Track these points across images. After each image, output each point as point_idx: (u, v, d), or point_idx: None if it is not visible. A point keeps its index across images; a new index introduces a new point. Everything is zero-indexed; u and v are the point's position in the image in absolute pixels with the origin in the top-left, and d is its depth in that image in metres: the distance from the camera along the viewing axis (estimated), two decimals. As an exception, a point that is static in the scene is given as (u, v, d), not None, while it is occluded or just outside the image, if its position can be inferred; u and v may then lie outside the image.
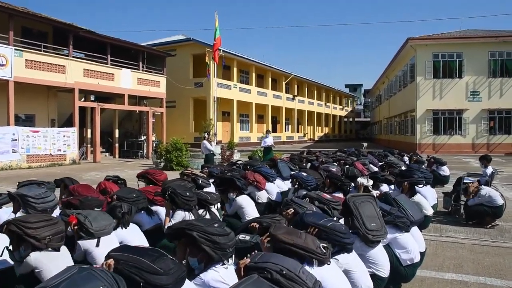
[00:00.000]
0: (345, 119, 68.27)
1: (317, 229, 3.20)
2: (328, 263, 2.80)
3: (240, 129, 37.89)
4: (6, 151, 17.51)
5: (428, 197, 6.92)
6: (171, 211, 5.07)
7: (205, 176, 7.72)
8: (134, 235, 4.59)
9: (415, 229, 4.46)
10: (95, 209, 4.89)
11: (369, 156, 12.28)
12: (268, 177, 7.82)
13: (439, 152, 25.71)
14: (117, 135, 25.54)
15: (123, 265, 2.47)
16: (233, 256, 2.78)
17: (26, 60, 18.28)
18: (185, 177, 7.48)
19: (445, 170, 11.82)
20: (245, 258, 2.43)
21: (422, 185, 6.59)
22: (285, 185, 8.24)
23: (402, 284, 4.20)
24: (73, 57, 21.03)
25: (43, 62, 18.96)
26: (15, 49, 17.81)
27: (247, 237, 3.15)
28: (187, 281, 2.47)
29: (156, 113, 26.34)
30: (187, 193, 5.01)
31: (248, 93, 36.26)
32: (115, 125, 25.53)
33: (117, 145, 25.40)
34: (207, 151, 12.88)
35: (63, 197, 5.92)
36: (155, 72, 25.72)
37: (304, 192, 7.04)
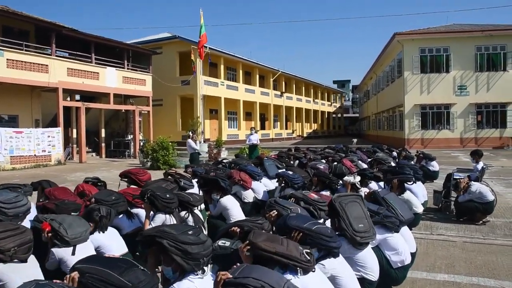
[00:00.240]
0: (334, 115, 68.32)
1: (301, 233, 3.00)
2: (313, 270, 2.60)
3: (228, 127, 37.65)
4: (-12, 153, 17.12)
5: (418, 194, 6.78)
6: (152, 213, 4.86)
7: (189, 176, 7.50)
8: (112, 240, 4.38)
9: (405, 229, 4.28)
10: (72, 213, 4.67)
11: (358, 153, 12.12)
12: (254, 175, 7.62)
13: (428, 147, 25.74)
14: (103, 134, 25.13)
15: (88, 278, 2.27)
16: (210, 264, 2.58)
17: (7, 59, 17.83)
18: (169, 177, 7.27)
19: (434, 166, 11.72)
20: (229, 270, 2.22)
21: (412, 182, 6.44)
22: (272, 184, 8.04)
23: (392, 287, 4.02)
24: (57, 56, 20.59)
25: (25, 62, 18.53)
26: (-4, 49, 17.39)
27: (227, 243, 2.94)
28: None
29: (142, 111, 25.98)
30: (167, 195, 4.80)
31: (236, 91, 36.01)
32: (101, 124, 25.12)
33: (103, 144, 25.00)
34: (192, 150, 12.64)
35: (40, 200, 5.68)
36: (140, 70, 25.35)
37: (291, 191, 6.89)
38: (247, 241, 2.57)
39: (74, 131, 23.21)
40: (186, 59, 28.96)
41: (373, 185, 6.76)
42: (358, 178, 6.35)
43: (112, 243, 4.32)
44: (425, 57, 26.98)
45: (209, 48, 29.81)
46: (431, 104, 26.83)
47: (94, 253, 4.03)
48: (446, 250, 5.32)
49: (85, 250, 3.82)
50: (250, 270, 2.15)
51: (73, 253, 3.73)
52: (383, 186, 6.81)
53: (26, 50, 18.90)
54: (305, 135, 53.22)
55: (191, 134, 12.75)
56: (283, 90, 46.08)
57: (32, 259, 3.31)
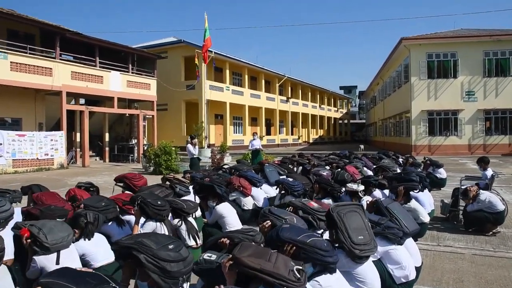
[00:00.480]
0: (340, 121, 67.90)
1: (294, 247, 2.75)
2: (304, 289, 2.34)
3: (234, 132, 37.43)
4: (-10, 156, 17.02)
5: (424, 203, 6.50)
6: (143, 220, 4.63)
7: (188, 181, 7.27)
8: (99, 247, 4.15)
9: (409, 242, 4.01)
10: (58, 219, 4.46)
11: (363, 159, 11.84)
12: (254, 182, 7.39)
13: (435, 153, 25.34)
14: (107, 138, 25.00)
15: (51, 294, 2.03)
16: (189, 282, 2.33)
17: (11, 62, 17.77)
18: (167, 182, 7.05)
19: (441, 173, 11.39)
20: None
21: (418, 190, 6.15)
22: (273, 191, 7.81)
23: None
24: (61, 59, 20.53)
25: (29, 65, 18.46)
26: (0, 51, 17.31)
27: (213, 256, 2.69)
28: None
29: (147, 116, 25.84)
30: (159, 202, 4.57)
31: (241, 96, 35.82)
32: (105, 128, 25.00)
33: (107, 149, 24.86)
34: (191, 155, 12.41)
35: (30, 205, 5.48)
36: (145, 74, 25.25)
37: (291, 199, 6.63)
38: (231, 256, 2.32)
39: (78, 135, 23.09)
40: (191, 64, 28.79)
41: (377, 193, 6.49)
42: (362, 187, 6.08)
43: (98, 250, 4.10)
44: (432, 62, 26.62)
45: (215, 52, 29.67)
46: (439, 110, 26.43)
47: (79, 261, 3.81)
48: (454, 263, 5.02)
49: (69, 258, 3.60)
50: None
51: (57, 262, 3.50)
52: (387, 194, 6.54)
53: (30, 53, 18.83)
54: (311, 141, 52.87)
55: (189, 139, 12.51)
56: (289, 96, 45.82)
57: (3, 269, 3.06)
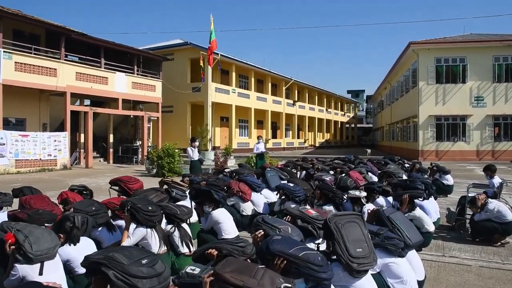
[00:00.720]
0: (347, 125, 67.52)
1: (285, 261, 2.54)
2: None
3: (239, 135, 37.26)
4: (-7, 155, 16.96)
5: (430, 211, 6.25)
6: (134, 226, 4.44)
7: (186, 185, 7.08)
8: (85, 254, 3.95)
9: (412, 254, 3.77)
10: (46, 224, 4.28)
11: (368, 164, 11.57)
12: (254, 187, 7.17)
13: (442, 159, 24.98)
14: (111, 140, 24.92)
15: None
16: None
17: (15, 62, 17.75)
18: (164, 185, 6.88)
19: (448, 179, 11.10)
20: None
21: (422, 198, 5.91)
22: (274, 196, 7.58)
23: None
24: (66, 60, 20.48)
25: (33, 65, 18.42)
26: (4, 52, 17.27)
27: (197, 270, 2.48)
28: None
29: (151, 118, 25.74)
30: (150, 208, 4.36)
31: (247, 98, 35.65)
32: (109, 130, 24.92)
33: (111, 150, 24.77)
34: (190, 158, 12.22)
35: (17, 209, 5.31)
36: (150, 76, 25.16)
37: (292, 205, 6.41)
38: (212, 271, 2.12)
39: (82, 135, 23.01)
40: (197, 66, 28.65)
41: (381, 200, 6.24)
42: (364, 194, 5.84)
43: (83, 257, 3.91)
44: (440, 67, 26.29)
45: (221, 55, 29.58)
46: (447, 115, 26.07)
47: (62, 271, 3.61)
48: (460, 276, 4.76)
49: (53, 269, 3.40)
50: None
51: (41, 273, 3.30)
52: (391, 202, 6.30)
53: (35, 54, 18.80)
54: (317, 144, 52.58)
55: (190, 141, 12.32)
56: (296, 99, 45.59)
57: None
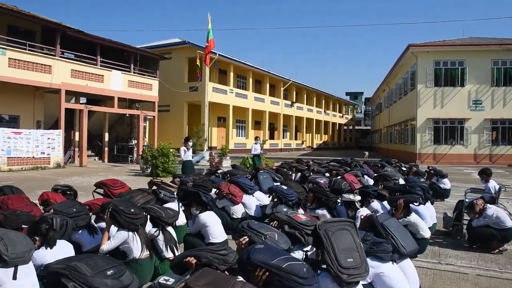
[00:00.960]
0: (345, 127, 67.40)
1: (268, 272, 2.34)
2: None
3: (236, 135, 37.07)
4: (-16, 153, 16.72)
5: (425, 216, 6.06)
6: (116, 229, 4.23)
7: (176, 186, 6.87)
8: (61, 257, 3.75)
9: (406, 262, 3.58)
10: (23, 226, 4.08)
11: (364, 167, 11.39)
12: (246, 189, 6.96)
13: (440, 162, 24.84)
14: (107, 138, 24.67)
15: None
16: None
17: (9, 58, 17.47)
18: (154, 186, 6.67)
19: (445, 183, 10.92)
20: None
21: (418, 203, 5.71)
22: (267, 198, 7.37)
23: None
24: (61, 57, 20.24)
25: (27, 62, 18.16)
26: (-3, 47, 17.05)
27: (170, 281, 2.28)
28: None
29: (148, 117, 25.51)
30: (132, 210, 4.16)
31: (245, 99, 35.46)
32: (105, 128, 24.67)
33: (106, 149, 24.51)
34: (182, 158, 11.99)
35: (0, 209, 5.09)
36: (147, 75, 24.93)
37: (285, 209, 6.22)
38: (183, 284, 1.92)
39: (77, 134, 22.76)
40: (195, 65, 28.50)
41: (376, 204, 6.05)
42: (358, 197, 5.65)
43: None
44: (439, 70, 26.16)
45: (219, 54, 29.40)
46: (445, 119, 25.95)
47: (35, 277, 3.40)
48: (456, 285, 4.57)
49: (26, 274, 3.19)
50: None
51: (14, 277, 3.10)
52: (387, 206, 6.10)
53: (30, 50, 18.55)
54: (315, 146, 52.42)
55: (184, 141, 12.09)
56: (294, 100, 45.41)
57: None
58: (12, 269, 3.10)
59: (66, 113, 20.53)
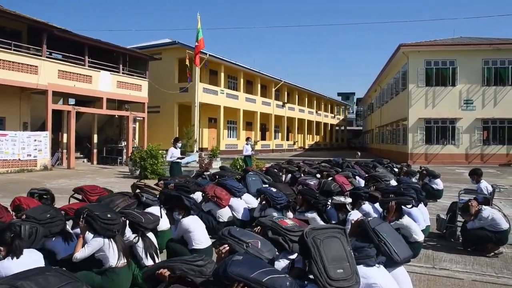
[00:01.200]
0: (337, 128, 67.34)
1: (246, 287, 2.10)
2: None
3: (228, 136, 36.80)
4: (-33, 155, 16.32)
5: (418, 219, 5.86)
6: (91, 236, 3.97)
7: (159, 189, 6.60)
8: (29, 267, 3.48)
9: (400, 271, 3.34)
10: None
11: (356, 167, 11.18)
12: (233, 192, 6.72)
13: (432, 162, 24.78)
14: (96, 140, 24.29)
15: None
16: None
17: (-7, 59, 17.11)
18: (137, 189, 6.41)
19: (438, 184, 10.76)
20: None
21: (411, 206, 5.51)
22: (256, 201, 7.13)
23: None
24: (48, 57, 19.86)
25: (13, 62, 17.77)
26: (-19, 47, 16.66)
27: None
28: None
29: (137, 118, 25.17)
30: (109, 215, 3.90)
31: (236, 99, 35.19)
32: (94, 130, 24.29)
33: (95, 150, 24.14)
34: (169, 159, 11.71)
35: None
36: (137, 75, 24.59)
37: (274, 212, 5.99)
38: None
39: (65, 135, 22.37)
40: (185, 66, 28.20)
41: (367, 206, 5.82)
42: (349, 199, 5.43)
43: None
44: (430, 70, 26.11)
45: (209, 55, 29.12)
46: (436, 118, 25.90)
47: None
48: (452, 291, 4.37)
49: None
50: None
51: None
52: (379, 208, 5.89)
53: (16, 50, 18.15)
54: (307, 147, 52.26)
55: (173, 142, 11.81)
56: (285, 101, 45.21)
57: None
58: None
59: (54, 115, 20.17)
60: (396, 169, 12.01)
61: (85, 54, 21.18)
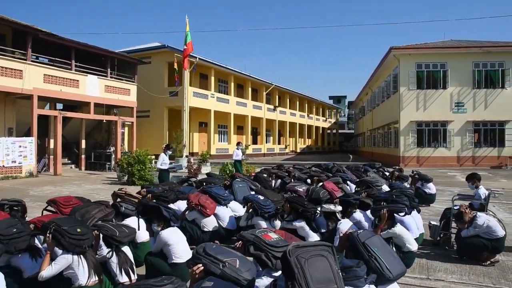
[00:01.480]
0: (329, 131, 67.28)
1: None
2: None
3: (218, 141, 36.48)
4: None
5: (411, 227, 5.61)
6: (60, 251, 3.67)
7: (140, 198, 6.29)
8: None
9: (393, 286, 3.09)
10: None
11: (347, 172, 10.92)
12: (219, 200, 6.43)
13: (424, 165, 24.68)
14: (84, 145, 23.86)
15: None
16: None
17: (-24, 63, 16.69)
18: (118, 198, 6.11)
19: (431, 188, 10.55)
20: None
21: (404, 214, 5.25)
22: (243, 209, 6.83)
23: None
24: (34, 61, 19.45)
25: (-4, 66, 17.37)
26: (-36, 52, 16.24)
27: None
28: None
29: (126, 122, 24.78)
30: (78, 230, 3.60)
31: (227, 103, 34.91)
32: (81, 135, 23.85)
33: (83, 156, 23.70)
34: (159, 166, 11.40)
35: None
36: (125, 79, 24.22)
37: (261, 221, 5.72)
38: None
39: (52, 141, 21.92)
40: (174, 69, 27.89)
41: (358, 214, 5.57)
42: (339, 207, 5.17)
43: None
44: (421, 73, 26.05)
45: (199, 58, 28.83)
46: (427, 121, 25.80)
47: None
48: (448, 306, 4.12)
49: None
50: None
51: None
52: (371, 216, 5.63)
53: (0, 54, 17.74)
54: (298, 150, 52.07)
55: (164, 148, 11.51)
56: (277, 104, 45.02)
57: None
58: None
59: (40, 120, 19.75)
60: (387, 173, 11.76)
61: (71, 58, 20.78)
